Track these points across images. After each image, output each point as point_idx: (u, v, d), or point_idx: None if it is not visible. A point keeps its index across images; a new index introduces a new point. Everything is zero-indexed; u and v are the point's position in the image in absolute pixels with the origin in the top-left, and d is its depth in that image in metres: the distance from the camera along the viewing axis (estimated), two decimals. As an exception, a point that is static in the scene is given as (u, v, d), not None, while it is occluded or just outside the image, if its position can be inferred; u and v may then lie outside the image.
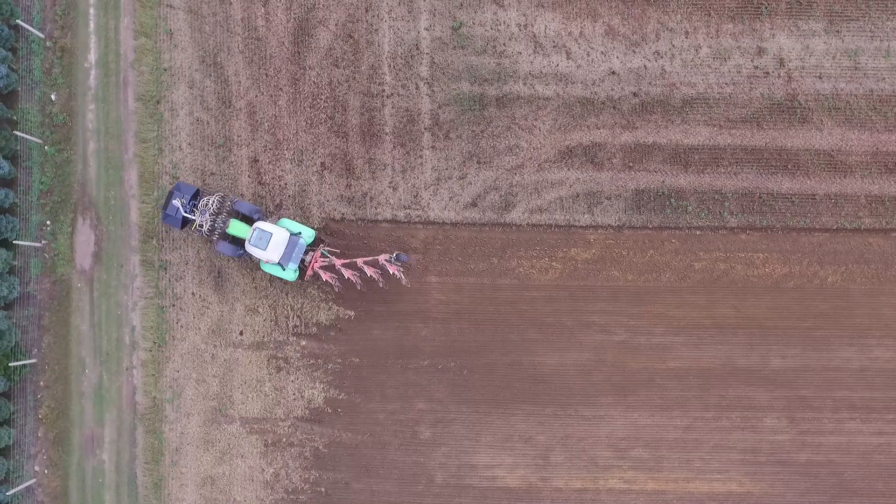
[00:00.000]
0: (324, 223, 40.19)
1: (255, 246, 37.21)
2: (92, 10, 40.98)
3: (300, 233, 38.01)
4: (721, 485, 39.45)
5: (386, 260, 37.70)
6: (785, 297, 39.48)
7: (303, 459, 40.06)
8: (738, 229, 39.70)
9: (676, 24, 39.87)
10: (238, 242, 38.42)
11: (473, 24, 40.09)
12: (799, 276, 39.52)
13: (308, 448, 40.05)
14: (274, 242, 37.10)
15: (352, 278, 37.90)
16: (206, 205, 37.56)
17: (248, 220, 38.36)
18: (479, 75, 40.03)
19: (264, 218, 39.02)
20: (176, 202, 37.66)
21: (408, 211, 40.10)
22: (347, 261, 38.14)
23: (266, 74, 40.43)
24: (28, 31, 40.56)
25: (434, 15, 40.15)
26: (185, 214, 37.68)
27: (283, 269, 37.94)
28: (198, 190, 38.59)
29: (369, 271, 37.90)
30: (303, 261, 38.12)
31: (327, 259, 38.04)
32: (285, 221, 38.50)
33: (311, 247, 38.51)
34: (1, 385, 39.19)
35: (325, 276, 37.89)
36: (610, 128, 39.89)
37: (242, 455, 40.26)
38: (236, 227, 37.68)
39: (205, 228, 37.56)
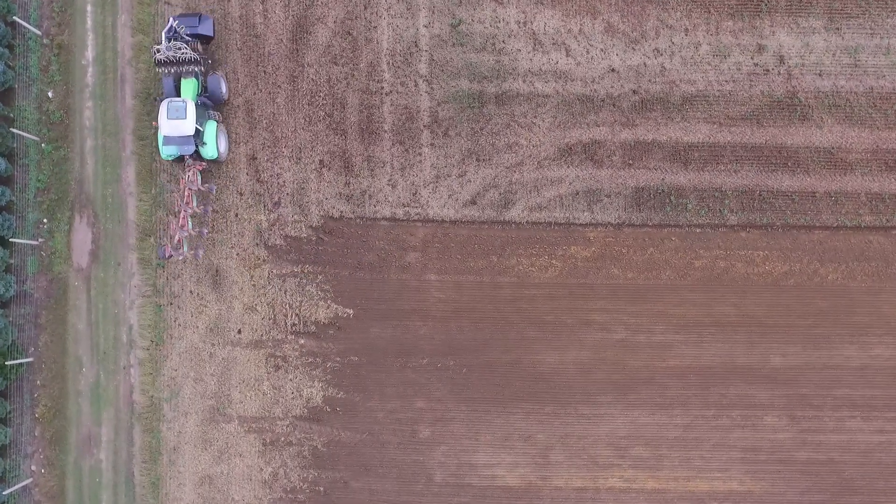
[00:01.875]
0: (322, 221, 40.01)
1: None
2: (89, 7, 40.79)
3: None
4: (722, 483, 39.31)
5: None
6: (785, 295, 39.37)
7: (301, 458, 39.85)
8: (738, 227, 39.58)
9: (676, 21, 39.78)
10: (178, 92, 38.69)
11: (472, 21, 39.95)
12: (799, 273, 39.41)
13: (307, 447, 39.85)
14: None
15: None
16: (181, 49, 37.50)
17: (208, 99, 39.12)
18: (478, 73, 39.89)
19: (219, 120, 39.60)
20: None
21: (407, 209, 39.94)
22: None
23: (264, 72, 40.26)
24: (25, 27, 40.35)
25: (433, 12, 40.01)
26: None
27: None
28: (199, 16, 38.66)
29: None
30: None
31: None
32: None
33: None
34: (-3, 384, 39.00)
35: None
36: (609, 125, 39.77)
37: (241, 454, 40.04)
38: (188, 86, 38.07)
39: (162, 51, 37.43)
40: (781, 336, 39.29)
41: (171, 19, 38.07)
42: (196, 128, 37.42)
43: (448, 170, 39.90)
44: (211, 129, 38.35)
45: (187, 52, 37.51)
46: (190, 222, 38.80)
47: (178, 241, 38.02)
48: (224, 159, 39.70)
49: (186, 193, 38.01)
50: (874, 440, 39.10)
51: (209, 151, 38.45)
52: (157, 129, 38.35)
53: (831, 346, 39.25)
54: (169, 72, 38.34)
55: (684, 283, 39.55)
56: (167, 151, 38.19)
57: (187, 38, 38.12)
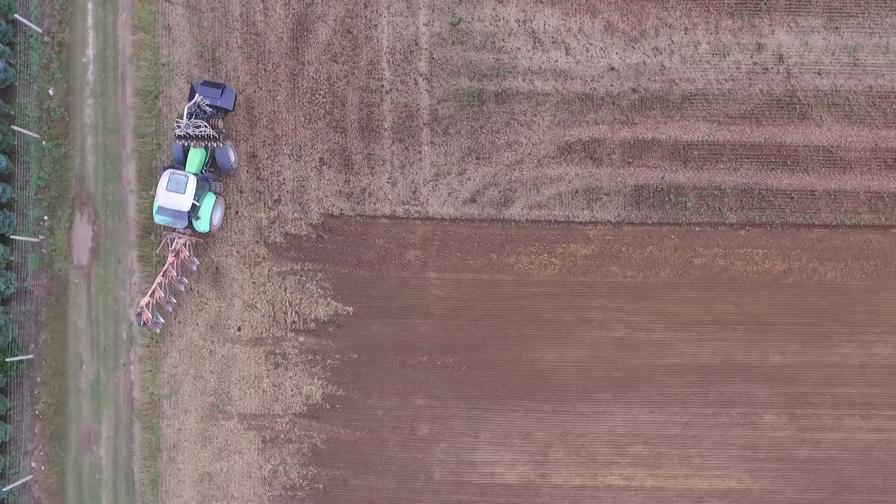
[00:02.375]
0: (322, 219, 40.08)
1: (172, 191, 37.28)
2: (90, 5, 40.89)
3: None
4: (720, 481, 39.35)
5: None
6: (784, 294, 39.43)
7: (301, 456, 39.91)
8: (737, 225, 39.66)
9: (675, 20, 39.86)
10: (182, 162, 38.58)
11: (472, 19, 40.04)
12: (798, 272, 39.47)
13: (306, 444, 39.90)
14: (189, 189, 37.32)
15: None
16: (197, 121, 37.36)
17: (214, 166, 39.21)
18: (478, 71, 39.98)
19: (220, 191, 39.55)
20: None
21: (406, 206, 40.01)
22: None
23: (264, 70, 40.35)
24: (26, 25, 40.45)
25: (433, 10, 40.10)
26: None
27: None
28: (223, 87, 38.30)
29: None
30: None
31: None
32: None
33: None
34: (-3, 380, 39.06)
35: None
36: (609, 124, 39.84)
37: (240, 451, 40.09)
38: (195, 157, 37.92)
39: (183, 123, 37.27)
40: (780, 334, 39.35)
41: (195, 89, 37.55)
42: (193, 203, 37.25)
43: (448, 168, 39.98)
44: (208, 204, 38.06)
45: (206, 130, 37.21)
46: (162, 290, 38.51)
47: (146, 315, 38.05)
48: (216, 231, 39.61)
49: (170, 260, 38.11)
50: (873, 438, 39.14)
51: (201, 226, 38.21)
52: (154, 195, 38.13)
53: (830, 345, 39.31)
54: (184, 144, 38.01)
55: (683, 282, 39.61)
56: (160, 219, 37.92)
57: (208, 110, 37.73)
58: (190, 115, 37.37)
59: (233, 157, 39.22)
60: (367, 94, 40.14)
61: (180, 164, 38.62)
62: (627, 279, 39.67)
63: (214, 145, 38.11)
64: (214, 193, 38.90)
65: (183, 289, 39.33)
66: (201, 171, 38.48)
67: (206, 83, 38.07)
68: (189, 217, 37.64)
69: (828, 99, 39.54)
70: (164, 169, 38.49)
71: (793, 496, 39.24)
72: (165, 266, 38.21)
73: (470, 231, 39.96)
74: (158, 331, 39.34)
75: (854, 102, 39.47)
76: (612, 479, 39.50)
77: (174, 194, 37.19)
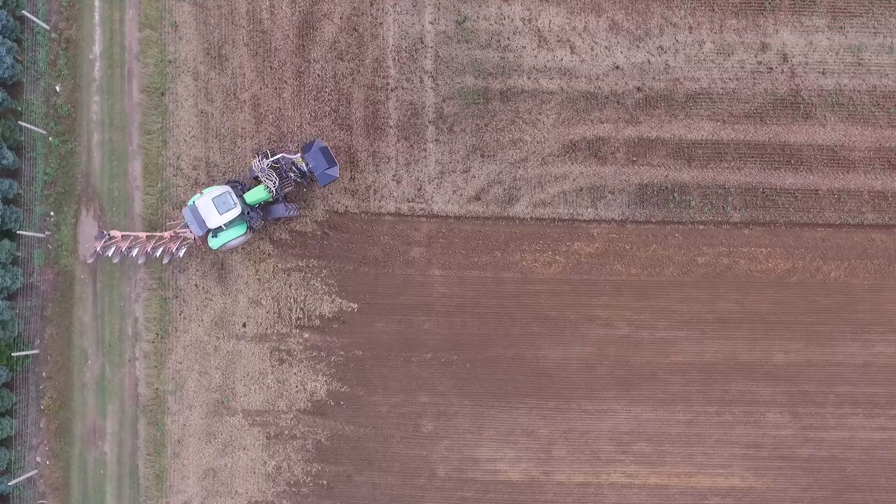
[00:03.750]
0: (327, 216, 40.21)
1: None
2: (97, 2, 41.07)
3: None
4: (723, 479, 39.42)
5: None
6: (788, 292, 39.53)
7: (305, 452, 40.02)
8: (741, 224, 39.76)
9: (680, 19, 39.99)
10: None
11: (478, 18, 40.18)
12: (802, 271, 39.57)
13: (310, 441, 40.02)
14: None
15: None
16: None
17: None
18: (483, 69, 40.11)
19: (256, 228, 39.09)
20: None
21: (411, 204, 40.14)
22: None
23: (271, 67, 40.50)
24: (33, 22, 40.63)
25: (438, 9, 40.25)
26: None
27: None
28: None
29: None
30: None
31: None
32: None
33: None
34: (3, 375, 39.16)
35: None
36: (614, 122, 39.97)
37: (244, 447, 40.21)
38: (253, 194, 37.59)
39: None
40: (784, 333, 39.43)
41: (310, 149, 37.08)
42: (220, 226, 37.14)
43: (453, 165, 40.11)
44: (234, 233, 37.59)
45: (289, 188, 37.58)
46: (130, 243, 38.52)
47: (104, 242, 37.85)
48: (223, 251, 39.58)
49: (164, 237, 38.15)
50: (876, 437, 39.21)
51: (213, 243, 37.96)
52: (197, 193, 37.93)
53: (833, 344, 39.39)
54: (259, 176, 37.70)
55: (687, 280, 39.71)
56: (187, 212, 37.53)
57: (300, 171, 37.71)
58: (275, 162, 37.39)
59: (289, 214, 38.67)
60: (373, 91, 40.30)
61: (244, 184, 38.30)
62: (631, 277, 39.77)
63: (271, 187, 37.57)
64: (249, 228, 38.25)
65: (142, 261, 39.05)
66: (253, 206, 37.94)
67: (325, 150, 37.63)
68: (208, 231, 37.57)
69: (832, 98, 39.65)
70: (228, 182, 38.31)
71: (796, 494, 39.31)
72: (156, 236, 38.19)
73: (474, 229, 40.08)
74: (108, 255, 38.62)
75: (858, 102, 39.57)
76: (616, 477, 39.59)
77: (213, 209, 36.94)
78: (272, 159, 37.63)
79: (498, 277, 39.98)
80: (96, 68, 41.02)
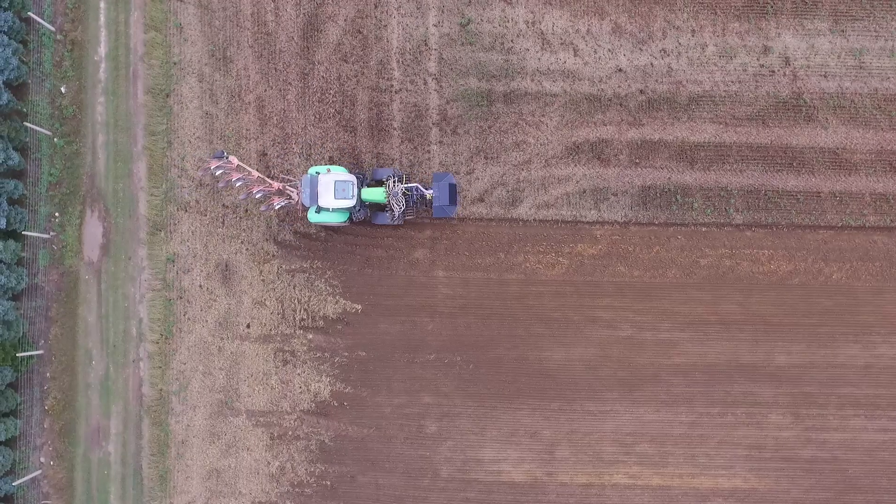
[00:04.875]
0: (332, 217, 40.38)
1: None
2: (102, 4, 41.24)
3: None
4: (726, 480, 39.53)
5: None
6: (790, 294, 39.68)
7: (308, 453, 40.09)
8: (743, 226, 39.93)
9: (683, 22, 40.20)
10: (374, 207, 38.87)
11: (481, 20, 40.38)
12: (804, 272, 39.73)
13: (314, 441, 40.09)
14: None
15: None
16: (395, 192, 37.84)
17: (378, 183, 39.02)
18: (486, 71, 40.30)
19: (357, 219, 39.29)
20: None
21: (414, 204, 40.21)
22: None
23: (275, 69, 40.67)
24: (39, 23, 40.79)
25: (442, 11, 40.44)
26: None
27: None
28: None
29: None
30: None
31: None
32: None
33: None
34: (8, 376, 39.22)
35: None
36: (616, 124, 40.15)
37: (248, 448, 40.28)
38: (370, 194, 37.86)
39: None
40: (786, 334, 39.58)
41: (442, 181, 37.58)
42: (326, 207, 37.47)
43: (456, 167, 40.26)
44: (331, 218, 38.01)
45: (402, 206, 37.73)
46: (238, 182, 37.84)
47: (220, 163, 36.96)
48: (301, 213, 39.81)
49: (274, 188, 37.98)
50: (878, 439, 39.34)
51: (312, 217, 38.16)
52: (313, 170, 38.10)
53: (835, 345, 39.53)
54: (391, 190, 37.90)
55: (690, 282, 39.86)
56: (308, 176, 37.83)
57: (420, 195, 38.13)
58: (408, 189, 37.81)
59: (393, 222, 38.72)
60: (377, 93, 40.46)
61: (366, 178, 38.76)
62: (634, 279, 39.92)
63: (395, 210, 37.94)
64: (350, 219, 38.64)
65: (242, 197, 38.32)
66: (364, 202, 38.34)
67: (453, 188, 37.94)
68: (310, 204, 37.57)
69: (833, 101, 39.86)
70: (356, 173, 38.50)
71: (798, 495, 39.41)
72: (267, 182, 37.90)
73: (478, 230, 40.22)
74: (216, 175, 38.27)
75: (860, 105, 39.78)
76: (619, 478, 39.68)
77: (332, 190, 37.22)
78: (405, 186, 37.88)
79: (501, 279, 40.11)
80: (101, 70, 41.17)
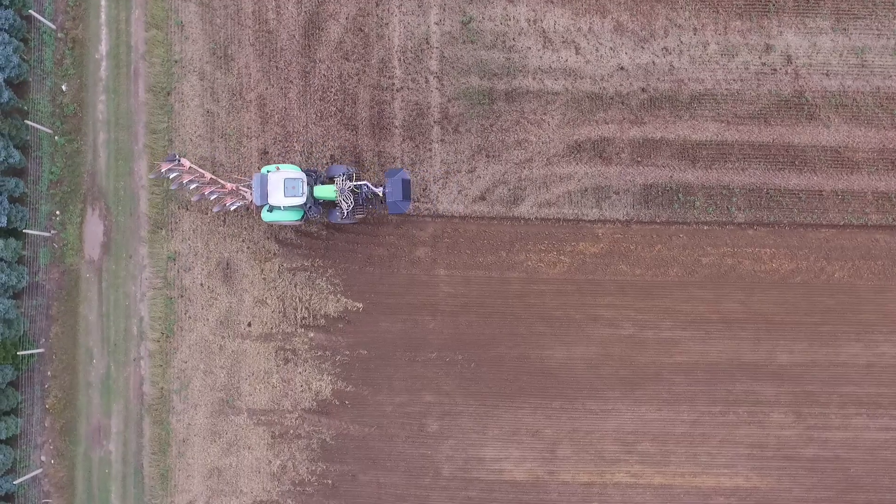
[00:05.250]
0: (333, 215, 40.33)
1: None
2: (103, 2, 41.18)
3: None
4: (728, 479, 39.48)
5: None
6: (792, 293, 39.64)
7: (310, 451, 40.04)
8: (745, 225, 39.88)
9: (685, 20, 40.16)
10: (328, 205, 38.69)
11: (483, 18, 40.33)
12: (806, 271, 39.69)
13: (315, 440, 40.04)
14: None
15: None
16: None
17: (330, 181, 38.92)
18: (488, 70, 40.25)
19: (313, 219, 39.44)
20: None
21: (416, 204, 40.22)
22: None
23: (276, 67, 40.61)
24: (40, 21, 40.74)
25: (444, 9, 40.39)
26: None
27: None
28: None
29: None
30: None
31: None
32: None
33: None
34: (9, 374, 39.16)
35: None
36: (618, 123, 40.10)
37: (249, 446, 40.23)
38: (322, 191, 37.74)
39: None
40: (788, 333, 39.54)
41: (396, 177, 37.38)
42: (277, 206, 37.31)
43: (458, 165, 40.22)
44: (285, 216, 37.91)
45: (349, 205, 37.58)
46: (193, 184, 38.15)
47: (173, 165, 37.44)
48: (254, 209, 39.77)
49: (226, 189, 38.14)
50: (880, 437, 39.30)
51: (265, 216, 38.04)
52: (265, 169, 38.08)
53: (837, 344, 39.49)
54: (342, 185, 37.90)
55: (692, 280, 39.81)
56: (258, 175, 37.74)
57: (371, 193, 38.01)
58: (357, 187, 37.61)
59: (347, 222, 38.68)
60: (378, 92, 40.41)
61: (319, 176, 38.57)
62: (636, 277, 39.87)
63: (343, 207, 37.88)
64: (305, 217, 38.59)
65: (195, 199, 38.39)
66: (317, 200, 38.22)
67: (406, 183, 37.80)
68: (260, 202, 37.43)
69: (835, 100, 39.81)
70: (306, 170, 38.27)
71: (800, 494, 39.37)
72: (220, 183, 38.14)
73: (479, 228, 40.17)
74: (168, 178, 38.29)
75: (862, 103, 39.74)
76: (620, 477, 39.63)
77: (281, 188, 37.08)
78: (355, 183, 37.77)
79: (503, 277, 40.06)
80: (102, 68, 41.12)
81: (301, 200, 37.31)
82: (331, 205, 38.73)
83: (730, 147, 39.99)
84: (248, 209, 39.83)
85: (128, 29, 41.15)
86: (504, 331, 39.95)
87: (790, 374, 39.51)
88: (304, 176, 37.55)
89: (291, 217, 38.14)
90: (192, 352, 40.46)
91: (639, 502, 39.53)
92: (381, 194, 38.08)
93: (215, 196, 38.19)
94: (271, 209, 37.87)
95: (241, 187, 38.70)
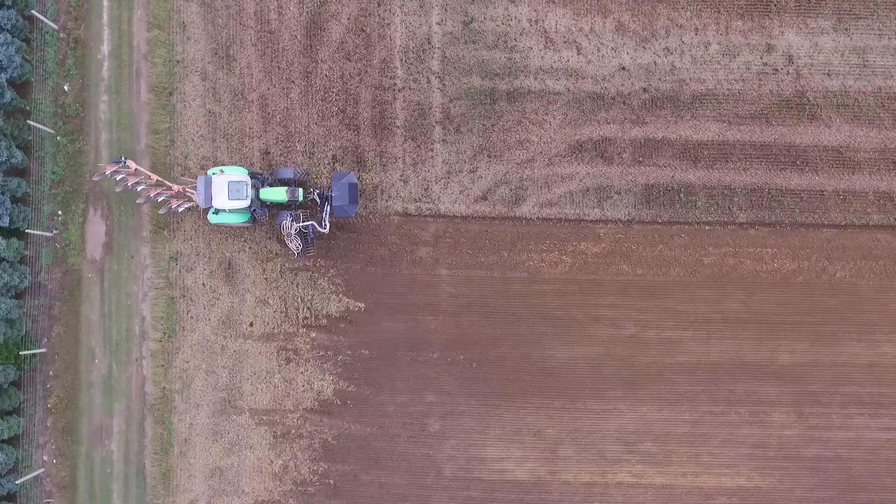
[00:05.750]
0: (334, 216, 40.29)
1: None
2: (105, 2, 41.23)
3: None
4: (729, 479, 39.49)
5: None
6: (793, 293, 39.66)
7: (312, 451, 40.06)
8: (747, 224, 39.90)
9: (686, 20, 40.19)
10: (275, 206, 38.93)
11: (485, 19, 40.37)
12: (807, 271, 39.70)
13: (317, 440, 40.06)
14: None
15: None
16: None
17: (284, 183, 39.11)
18: (489, 70, 40.28)
19: (259, 221, 39.57)
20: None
21: (418, 204, 40.26)
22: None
23: (278, 67, 40.65)
24: (42, 21, 40.78)
25: (446, 10, 40.44)
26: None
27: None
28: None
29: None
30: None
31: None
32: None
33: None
34: (11, 374, 39.18)
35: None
36: (620, 123, 40.13)
37: (251, 446, 40.24)
38: (269, 193, 37.95)
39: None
40: (789, 333, 39.55)
41: (345, 181, 37.73)
42: (222, 208, 37.54)
43: (459, 165, 40.25)
44: (230, 219, 38.16)
45: (296, 228, 37.68)
46: (139, 186, 38.46)
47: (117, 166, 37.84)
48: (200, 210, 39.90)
49: (173, 191, 38.58)
50: (882, 437, 39.31)
51: (212, 219, 38.29)
52: (210, 172, 38.24)
53: (839, 344, 39.51)
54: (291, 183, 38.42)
55: (693, 280, 39.83)
56: (203, 177, 38.06)
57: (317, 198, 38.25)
58: (304, 228, 37.86)
59: (290, 247, 38.78)
60: (380, 92, 40.45)
61: (266, 179, 38.74)
62: (638, 277, 39.89)
63: (292, 249, 38.20)
64: (252, 219, 38.71)
65: (141, 202, 38.79)
66: (263, 202, 38.46)
67: (353, 187, 37.90)
68: (214, 206, 37.71)
69: (837, 100, 39.84)
70: (252, 174, 38.29)
71: (801, 494, 39.38)
72: (166, 185, 38.56)
73: (481, 228, 40.20)
74: (115, 179, 38.44)
75: (863, 103, 39.77)
76: (622, 477, 39.64)
77: (225, 191, 37.33)
78: (301, 224, 37.88)
79: (504, 277, 40.08)
80: (104, 68, 41.16)
81: (245, 203, 37.45)
82: (277, 206, 38.90)
83: (731, 147, 40.02)
84: (197, 212, 39.96)
85: (130, 29, 41.20)
86: (506, 331, 39.97)
87: (792, 374, 39.52)
88: (248, 179, 37.67)
89: (237, 219, 38.32)
90: (193, 352, 40.49)
91: (640, 502, 39.54)
92: (326, 233, 38.29)
93: (162, 198, 38.46)
94: (217, 211, 38.05)
95: (188, 189, 38.82)
